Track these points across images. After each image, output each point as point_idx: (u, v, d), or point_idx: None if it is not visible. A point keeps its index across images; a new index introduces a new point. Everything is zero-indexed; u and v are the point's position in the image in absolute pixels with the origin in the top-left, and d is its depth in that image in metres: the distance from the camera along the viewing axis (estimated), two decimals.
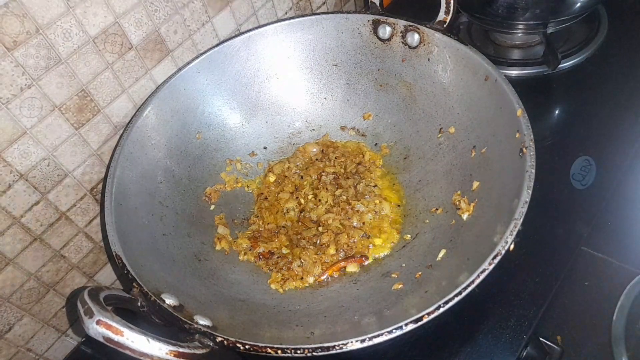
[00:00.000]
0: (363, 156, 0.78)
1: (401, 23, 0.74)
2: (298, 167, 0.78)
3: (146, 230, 0.63)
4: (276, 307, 0.61)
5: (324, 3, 0.96)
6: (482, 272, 0.49)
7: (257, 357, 0.48)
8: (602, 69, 0.87)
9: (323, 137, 0.81)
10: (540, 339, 0.65)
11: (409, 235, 0.68)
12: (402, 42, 0.74)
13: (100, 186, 0.69)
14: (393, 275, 0.62)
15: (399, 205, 0.72)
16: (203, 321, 0.50)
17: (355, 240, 0.68)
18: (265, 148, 0.80)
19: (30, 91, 0.58)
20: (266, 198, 0.76)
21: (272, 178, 0.78)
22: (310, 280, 0.66)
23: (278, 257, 0.69)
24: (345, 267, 0.66)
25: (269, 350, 0.47)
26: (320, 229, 0.70)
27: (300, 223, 0.72)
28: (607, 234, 0.69)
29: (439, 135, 0.73)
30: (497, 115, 0.64)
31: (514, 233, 0.51)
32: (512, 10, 0.83)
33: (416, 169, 0.74)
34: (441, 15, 0.72)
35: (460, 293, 0.48)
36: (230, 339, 0.48)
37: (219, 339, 0.48)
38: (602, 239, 0.68)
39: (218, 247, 0.69)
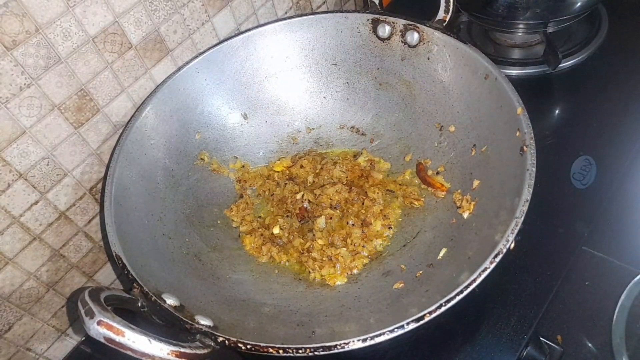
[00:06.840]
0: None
1: (400, 22, 0.74)
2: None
3: (146, 230, 0.63)
4: (277, 307, 0.61)
5: (324, 2, 0.96)
6: (483, 271, 0.49)
7: (259, 357, 0.48)
8: (603, 68, 0.87)
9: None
10: (541, 338, 0.65)
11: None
12: (402, 41, 0.74)
13: (99, 186, 0.69)
14: (394, 275, 0.62)
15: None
16: (204, 321, 0.50)
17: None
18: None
19: (29, 90, 0.58)
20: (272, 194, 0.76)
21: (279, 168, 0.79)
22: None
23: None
24: None
25: (271, 349, 0.47)
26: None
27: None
28: (607, 233, 0.69)
29: (439, 134, 0.72)
30: (497, 113, 0.63)
31: (515, 231, 0.51)
32: (512, 9, 0.83)
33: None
34: (440, 14, 0.72)
35: (461, 292, 0.48)
36: (232, 338, 0.48)
37: (220, 339, 0.48)
38: (603, 239, 0.68)
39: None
